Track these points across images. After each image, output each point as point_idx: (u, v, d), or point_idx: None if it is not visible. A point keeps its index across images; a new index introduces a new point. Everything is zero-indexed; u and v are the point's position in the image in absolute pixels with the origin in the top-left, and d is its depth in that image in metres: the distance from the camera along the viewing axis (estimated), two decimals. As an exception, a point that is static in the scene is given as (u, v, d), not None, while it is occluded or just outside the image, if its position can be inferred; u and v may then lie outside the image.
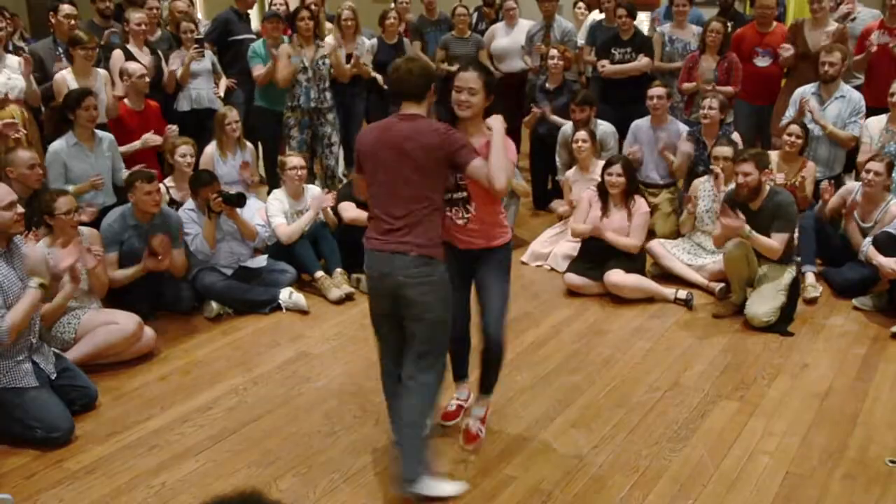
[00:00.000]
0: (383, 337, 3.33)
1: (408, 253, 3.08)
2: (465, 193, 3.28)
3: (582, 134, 5.96)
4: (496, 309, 3.41)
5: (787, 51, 6.36)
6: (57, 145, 5.17)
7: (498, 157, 3.11)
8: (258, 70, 6.61)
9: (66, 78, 5.59)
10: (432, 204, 3.14)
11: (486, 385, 3.62)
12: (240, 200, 5.05)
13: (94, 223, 4.80)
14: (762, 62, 6.63)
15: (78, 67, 5.65)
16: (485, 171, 3.09)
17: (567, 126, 6.45)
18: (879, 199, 5.17)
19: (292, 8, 7.47)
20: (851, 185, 5.43)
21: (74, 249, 3.95)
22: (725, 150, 5.44)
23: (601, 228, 5.25)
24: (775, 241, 4.72)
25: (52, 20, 6.16)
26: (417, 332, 3.16)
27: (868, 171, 5.09)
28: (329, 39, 6.98)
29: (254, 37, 7.25)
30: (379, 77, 7.14)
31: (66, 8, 6.08)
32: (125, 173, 5.25)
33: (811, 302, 5.05)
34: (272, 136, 7.08)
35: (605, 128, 6.41)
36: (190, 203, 5.18)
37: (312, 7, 7.03)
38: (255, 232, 5.25)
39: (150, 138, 5.67)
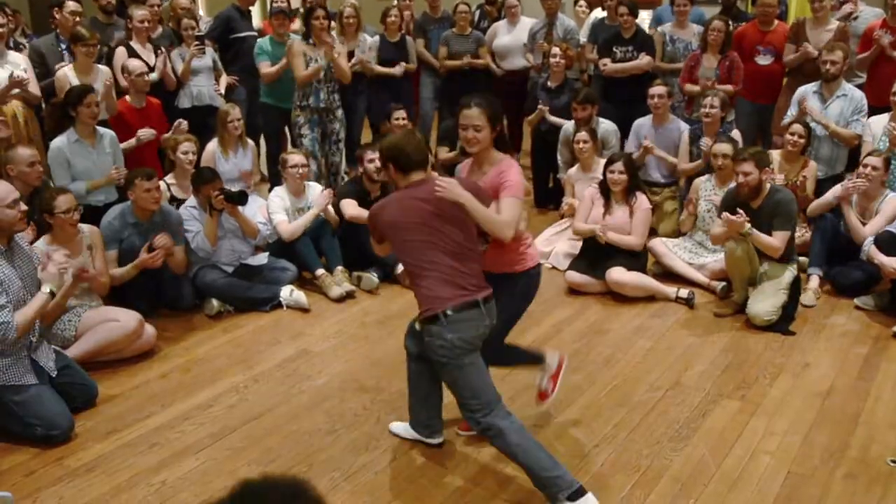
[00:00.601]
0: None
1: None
2: None
3: (582, 134, 5.95)
4: (494, 330, 3.34)
5: (791, 53, 6.39)
6: (58, 142, 5.16)
7: (483, 218, 3.13)
8: (265, 67, 6.60)
9: (67, 75, 5.59)
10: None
11: (532, 366, 3.69)
12: (241, 198, 5.05)
13: (95, 220, 4.80)
14: (764, 60, 6.63)
15: (80, 64, 5.64)
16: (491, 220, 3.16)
17: (569, 125, 6.44)
18: (876, 195, 5.16)
19: (294, 5, 7.47)
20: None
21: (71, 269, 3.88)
22: (724, 147, 5.43)
23: (602, 230, 5.24)
24: (776, 240, 4.71)
25: (57, 16, 6.16)
26: None
27: (865, 166, 5.09)
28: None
29: (255, 34, 7.25)
30: (395, 70, 7.23)
31: (71, 5, 6.09)
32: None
33: (808, 307, 5.02)
34: (276, 133, 7.08)
35: (606, 126, 6.40)
36: (192, 200, 5.17)
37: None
38: (256, 229, 5.25)
39: (145, 134, 5.65)
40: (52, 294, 3.66)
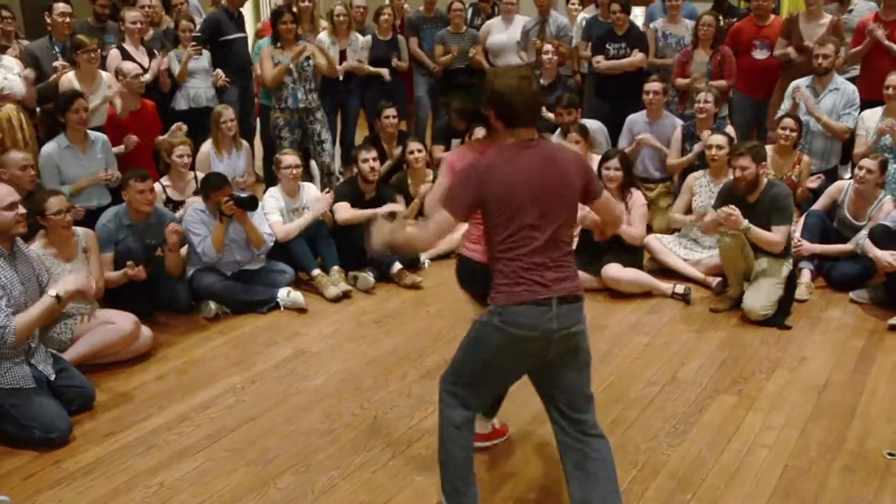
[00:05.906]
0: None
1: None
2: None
3: (574, 135, 5.95)
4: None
5: (783, 48, 6.41)
6: (49, 148, 5.15)
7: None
8: (258, 69, 6.62)
9: (72, 80, 5.59)
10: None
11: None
12: (251, 203, 5.01)
13: (90, 223, 4.79)
14: (760, 55, 6.64)
15: (82, 72, 5.64)
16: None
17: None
18: (871, 197, 5.17)
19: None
20: (841, 184, 5.43)
21: (83, 278, 3.84)
22: (719, 139, 5.44)
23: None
24: (776, 235, 4.72)
25: (48, 20, 6.16)
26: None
27: (861, 168, 5.10)
28: (322, 37, 6.97)
29: (244, 35, 7.25)
30: (383, 71, 7.23)
31: (60, 6, 6.08)
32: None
33: (801, 302, 5.03)
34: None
35: (592, 125, 6.39)
36: (199, 203, 5.12)
37: (305, 4, 7.01)
38: (262, 239, 5.17)
39: (130, 141, 5.64)
40: (58, 298, 3.61)
